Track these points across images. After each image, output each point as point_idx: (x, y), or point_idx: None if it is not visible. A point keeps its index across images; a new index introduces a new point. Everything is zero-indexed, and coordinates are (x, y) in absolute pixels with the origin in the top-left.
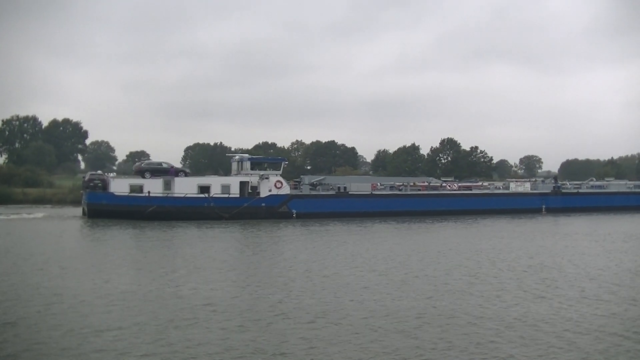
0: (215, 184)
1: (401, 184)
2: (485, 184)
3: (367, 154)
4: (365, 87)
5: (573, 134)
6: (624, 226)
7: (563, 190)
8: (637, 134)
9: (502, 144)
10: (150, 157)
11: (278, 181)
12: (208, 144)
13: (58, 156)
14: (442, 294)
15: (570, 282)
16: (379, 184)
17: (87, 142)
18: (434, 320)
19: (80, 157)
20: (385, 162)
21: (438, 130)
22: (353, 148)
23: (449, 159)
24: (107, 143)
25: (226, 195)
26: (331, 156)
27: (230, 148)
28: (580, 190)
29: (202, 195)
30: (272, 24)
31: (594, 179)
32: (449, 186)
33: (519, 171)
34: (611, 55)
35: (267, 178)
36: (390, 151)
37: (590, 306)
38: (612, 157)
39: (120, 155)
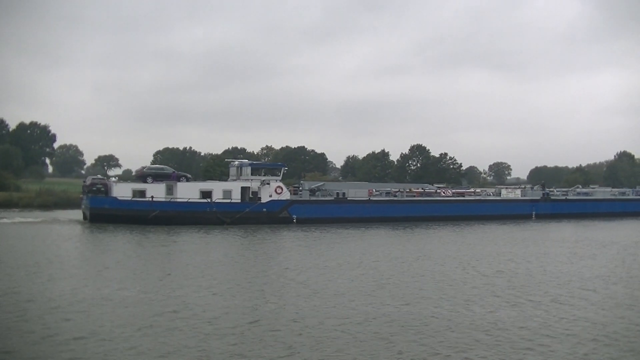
0: (217, 189)
1: (397, 190)
2: (478, 190)
3: (337, 159)
4: (339, 92)
5: (544, 141)
6: (609, 233)
7: (552, 197)
8: (607, 142)
9: (472, 150)
10: (119, 161)
11: (278, 187)
12: (177, 148)
13: (25, 159)
14: (418, 299)
15: (545, 288)
16: (374, 190)
17: (55, 145)
18: (407, 325)
19: (48, 161)
20: (355, 168)
21: (409, 136)
22: (323, 154)
23: (419, 165)
24: (75, 147)
25: (228, 201)
26: (301, 162)
27: (199, 153)
28: (568, 197)
29: (204, 200)
30: (247, 27)
31: (580, 186)
32: (443, 192)
33: (488, 178)
34: (586, 62)
35: (268, 184)
36: (359, 157)
37: (558, 310)
38: (580, 165)
39: (89, 159)
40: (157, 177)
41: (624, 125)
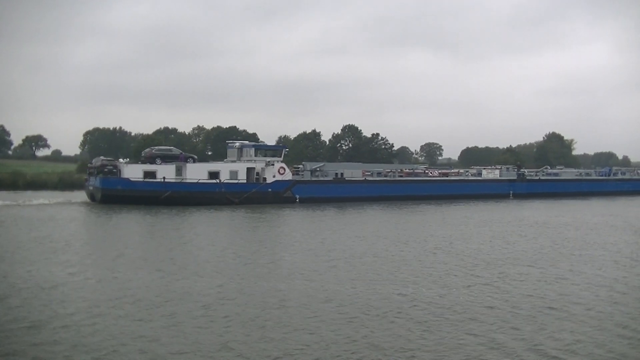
0: (224, 169)
1: (389, 170)
2: (461, 171)
3: (270, 139)
4: (278, 72)
5: (477, 122)
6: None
7: (527, 178)
8: (541, 123)
9: (405, 130)
10: (47, 142)
11: (281, 167)
12: (108, 128)
13: None
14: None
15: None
16: (366, 171)
17: None
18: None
19: None
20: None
21: (345, 116)
22: (254, 134)
23: (350, 145)
24: (1, 127)
25: (235, 181)
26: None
27: (130, 133)
28: (541, 178)
29: (213, 181)
30: (190, 4)
31: (548, 167)
32: (430, 173)
33: (420, 158)
34: (527, 44)
35: (272, 164)
36: (291, 137)
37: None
38: (510, 145)
39: (16, 139)
40: (166, 158)
41: (558, 107)
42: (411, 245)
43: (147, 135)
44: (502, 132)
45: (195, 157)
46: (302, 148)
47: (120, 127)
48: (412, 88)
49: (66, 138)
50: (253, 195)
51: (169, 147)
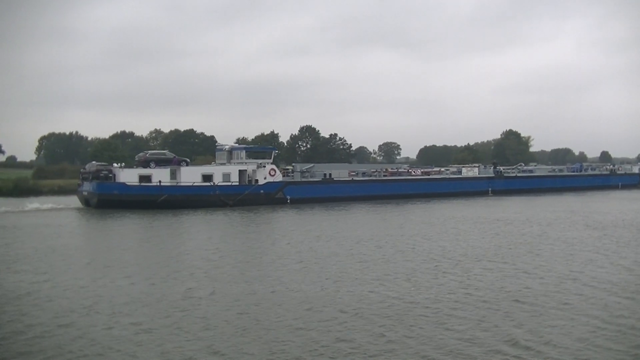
0: (217, 172)
1: (375, 170)
2: (442, 169)
3: (228, 141)
4: (238, 74)
5: (436, 121)
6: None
7: (505, 175)
8: (499, 121)
9: (364, 130)
10: (2, 147)
11: (272, 169)
12: (64, 133)
13: None
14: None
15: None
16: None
17: None
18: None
19: None
20: None
21: (304, 117)
22: (212, 136)
23: (308, 146)
24: None
25: (229, 183)
26: (190, 144)
27: (86, 138)
28: (517, 175)
29: (208, 184)
30: (152, 6)
31: (523, 164)
32: (413, 172)
33: (378, 158)
34: (489, 43)
35: (264, 166)
36: (249, 139)
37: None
38: (468, 143)
39: None
40: (160, 162)
41: (517, 105)
42: (401, 247)
43: (104, 140)
44: (461, 131)
45: (188, 160)
46: None
47: (77, 132)
48: (373, 88)
49: (21, 143)
50: (246, 197)
51: (162, 151)
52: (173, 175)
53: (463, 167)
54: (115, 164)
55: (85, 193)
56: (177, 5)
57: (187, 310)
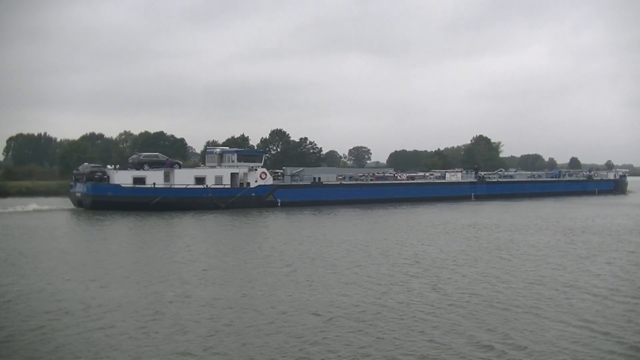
0: (210, 175)
1: (362, 174)
2: (427, 174)
3: (198, 144)
4: (211, 76)
5: (407, 126)
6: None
7: (487, 180)
8: (471, 126)
9: (335, 134)
10: None
11: (263, 172)
12: (33, 134)
13: None
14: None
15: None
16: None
17: None
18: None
19: None
20: None
21: (277, 120)
22: (182, 139)
23: (278, 150)
24: None
25: (221, 186)
26: (160, 147)
27: (55, 139)
28: (499, 180)
29: (201, 186)
30: (127, 7)
31: (503, 170)
32: (399, 177)
33: (348, 162)
34: (464, 48)
35: (255, 170)
36: (220, 142)
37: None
38: (439, 148)
39: None
40: (153, 164)
41: (489, 111)
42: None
43: (73, 141)
44: (432, 136)
45: (181, 162)
46: None
47: (46, 133)
48: (347, 92)
49: None
50: (238, 200)
51: (155, 153)
52: (166, 177)
53: (447, 172)
54: (109, 166)
55: (78, 194)
56: (151, 6)
57: (159, 313)
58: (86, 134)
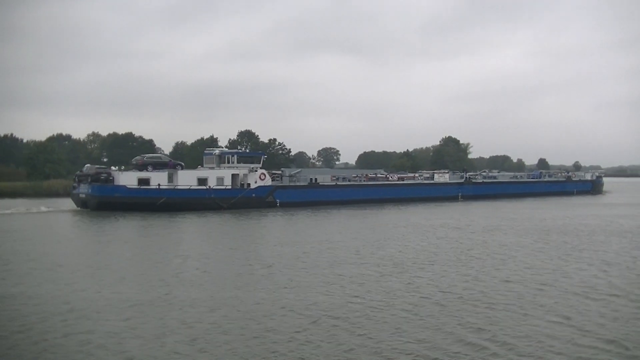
0: (212, 176)
1: (355, 175)
2: (417, 175)
3: (166, 146)
4: (184, 76)
5: (377, 127)
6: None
7: (473, 181)
8: (441, 127)
9: (307, 135)
10: None
11: (262, 173)
12: None
13: None
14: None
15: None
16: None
17: None
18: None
19: None
20: (184, 154)
21: (248, 121)
22: (151, 140)
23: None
24: None
25: (223, 187)
26: (128, 148)
27: (21, 140)
28: (484, 181)
29: (204, 187)
30: (104, 7)
31: (487, 171)
32: (390, 177)
33: (317, 163)
34: (440, 50)
35: (255, 171)
36: (188, 143)
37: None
38: (407, 150)
39: None
40: (156, 165)
41: (459, 112)
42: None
43: (40, 142)
44: (402, 137)
45: (183, 164)
46: (198, 154)
47: (12, 134)
48: (319, 93)
49: None
50: (239, 201)
51: (158, 155)
52: (170, 178)
53: (435, 172)
54: (113, 167)
55: (82, 195)
56: (126, 6)
57: (141, 313)
58: (53, 135)
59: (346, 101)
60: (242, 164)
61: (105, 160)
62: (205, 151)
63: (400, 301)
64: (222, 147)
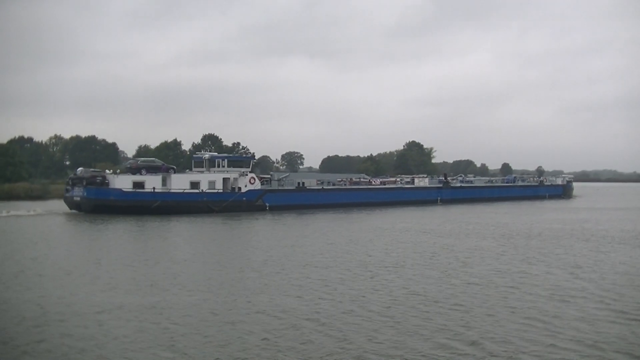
0: (204, 180)
1: (340, 180)
2: (397, 179)
3: (129, 149)
4: (148, 78)
5: (343, 131)
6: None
7: (452, 185)
8: (405, 132)
9: (270, 139)
10: None
11: (252, 177)
12: None
13: None
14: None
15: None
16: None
17: None
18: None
19: None
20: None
21: (212, 125)
22: (114, 143)
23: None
24: None
25: (214, 191)
26: (91, 151)
27: None
28: (462, 185)
29: (197, 191)
30: (71, 6)
31: (463, 175)
32: (373, 182)
33: (281, 167)
34: (407, 54)
35: (245, 175)
36: (152, 147)
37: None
38: (371, 154)
39: None
40: (150, 169)
41: (424, 116)
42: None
43: (1, 145)
44: (366, 141)
45: (175, 167)
46: (162, 157)
47: None
48: (284, 97)
49: None
50: (230, 204)
51: (152, 159)
52: (164, 182)
53: (414, 177)
54: (107, 171)
55: (77, 198)
56: (94, 7)
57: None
58: (14, 137)
59: (309, 104)
60: (232, 168)
61: (67, 163)
62: (195, 155)
63: (374, 305)
64: (184, 150)
